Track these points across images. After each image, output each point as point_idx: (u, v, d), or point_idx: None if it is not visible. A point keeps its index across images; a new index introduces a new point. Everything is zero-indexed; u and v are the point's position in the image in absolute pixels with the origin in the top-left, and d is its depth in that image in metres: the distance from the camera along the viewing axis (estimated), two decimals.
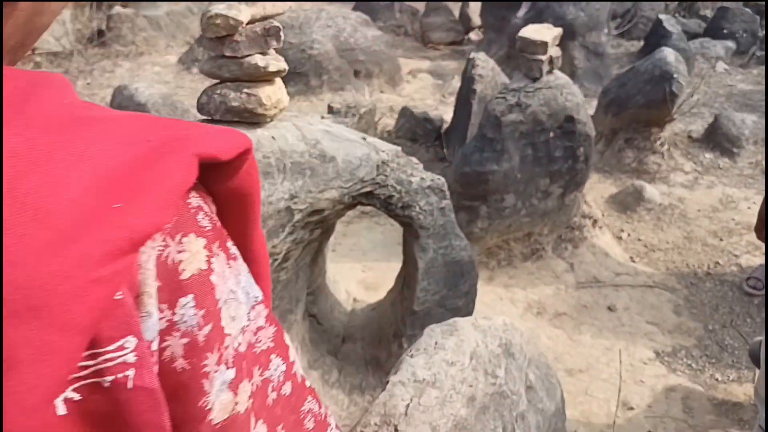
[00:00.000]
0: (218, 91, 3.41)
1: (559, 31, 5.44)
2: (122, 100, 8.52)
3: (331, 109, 7.42)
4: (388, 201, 3.87)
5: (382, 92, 10.87)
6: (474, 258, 4.24)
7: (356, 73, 10.64)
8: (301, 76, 10.11)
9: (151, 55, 10.94)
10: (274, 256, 3.54)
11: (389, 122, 9.22)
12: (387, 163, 3.88)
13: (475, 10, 13.89)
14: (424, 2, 14.05)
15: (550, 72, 5.49)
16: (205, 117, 3.48)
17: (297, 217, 3.52)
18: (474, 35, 14.32)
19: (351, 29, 10.74)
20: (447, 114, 9.15)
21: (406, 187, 3.91)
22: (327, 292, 4.89)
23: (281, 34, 3.36)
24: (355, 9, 13.90)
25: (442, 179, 4.13)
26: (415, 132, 8.34)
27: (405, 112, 8.58)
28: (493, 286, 6.17)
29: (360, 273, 6.23)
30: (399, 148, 4.14)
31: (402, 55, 12.63)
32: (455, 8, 14.51)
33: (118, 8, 11.48)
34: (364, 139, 3.98)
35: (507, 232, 5.94)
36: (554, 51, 5.40)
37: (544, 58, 5.27)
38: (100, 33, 11.04)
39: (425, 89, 11.38)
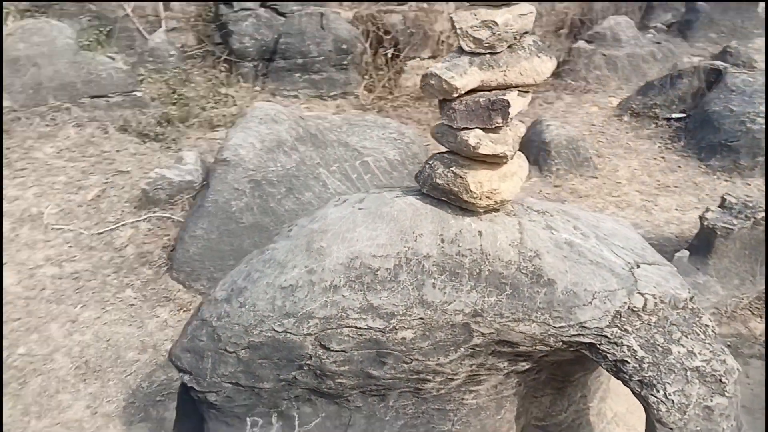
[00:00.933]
0: (431, 162, 2.77)
1: None
2: (532, 134, 8.12)
3: (723, 202, 5.72)
4: (618, 366, 2.67)
5: None
6: None
7: None
8: (730, 150, 8.19)
9: (596, 93, 10.22)
10: (443, 374, 2.76)
11: None
12: (639, 312, 2.67)
13: None
14: None
15: None
16: (416, 186, 2.88)
17: (477, 340, 2.66)
18: None
19: None
20: None
21: (656, 357, 2.63)
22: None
23: (509, 111, 2.51)
24: None
25: (732, 364, 2.68)
26: None
27: None
28: None
29: None
30: (686, 296, 2.81)
31: None
32: None
33: (581, 43, 11.00)
34: (632, 268, 2.80)
35: None
36: None
37: None
38: (558, 64, 10.75)
39: None
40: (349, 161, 6.49)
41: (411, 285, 2.65)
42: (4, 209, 6.20)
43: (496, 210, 2.80)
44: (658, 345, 2.66)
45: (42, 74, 8.61)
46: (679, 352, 2.66)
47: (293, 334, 2.64)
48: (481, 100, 2.55)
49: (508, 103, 2.52)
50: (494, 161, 2.63)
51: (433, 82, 2.52)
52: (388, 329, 2.62)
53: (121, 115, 8.49)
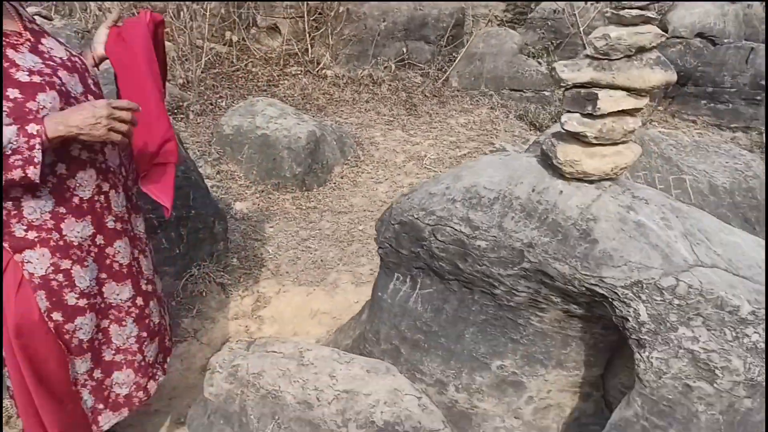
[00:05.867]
0: (551, 134, 3.40)
1: None
2: None
3: None
4: (621, 321, 2.95)
5: None
6: None
7: None
8: None
9: None
10: (505, 285, 3.43)
11: None
12: (664, 290, 2.89)
13: None
14: None
15: None
16: None
17: (526, 265, 3.28)
18: None
19: None
20: None
21: (659, 328, 2.84)
22: None
23: (598, 103, 3.02)
24: None
25: (738, 367, 2.69)
26: None
27: None
28: None
29: None
30: (744, 307, 2.84)
31: None
32: None
33: None
34: (697, 266, 2.98)
35: None
36: None
37: None
38: None
39: None
40: (661, 173, 6.55)
41: (498, 213, 3.39)
42: (411, 150, 8.26)
43: (591, 181, 3.26)
44: (668, 321, 2.83)
45: (484, 67, 10.49)
46: (684, 333, 2.79)
47: (421, 221, 3.66)
48: (581, 91, 3.09)
49: (597, 96, 3.01)
50: (581, 139, 3.13)
51: (553, 72, 3.17)
52: (471, 236, 3.43)
53: (525, 107, 9.84)
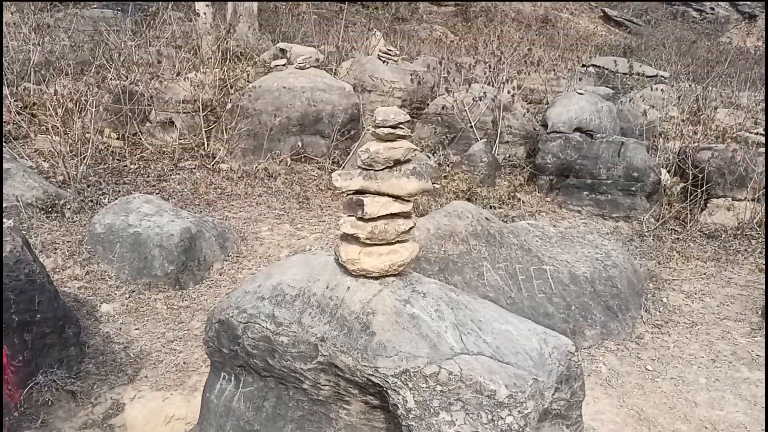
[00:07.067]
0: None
1: None
2: None
3: None
4: (393, 409, 3.36)
5: None
6: None
7: None
8: None
9: None
10: (309, 379, 3.79)
11: None
12: (428, 377, 3.34)
13: None
14: None
15: None
16: None
17: (320, 358, 3.69)
18: None
19: None
20: None
21: (423, 414, 3.27)
22: None
23: (366, 209, 3.57)
24: None
25: None
26: None
27: None
28: None
29: None
30: (501, 392, 3.30)
31: None
32: None
33: None
34: (463, 354, 3.46)
35: None
36: None
37: None
38: None
39: None
40: (522, 264, 7.18)
41: (298, 309, 3.83)
42: (295, 244, 8.69)
43: (375, 277, 3.76)
44: (431, 407, 3.27)
45: None
46: (444, 417, 3.23)
47: (234, 320, 4.06)
48: (353, 197, 3.65)
49: (363, 202, 3.57)
50: (357, 239, 3.66)
51: (332, 181, 3.73)
52: (275, 332, 3.84)
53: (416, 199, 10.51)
